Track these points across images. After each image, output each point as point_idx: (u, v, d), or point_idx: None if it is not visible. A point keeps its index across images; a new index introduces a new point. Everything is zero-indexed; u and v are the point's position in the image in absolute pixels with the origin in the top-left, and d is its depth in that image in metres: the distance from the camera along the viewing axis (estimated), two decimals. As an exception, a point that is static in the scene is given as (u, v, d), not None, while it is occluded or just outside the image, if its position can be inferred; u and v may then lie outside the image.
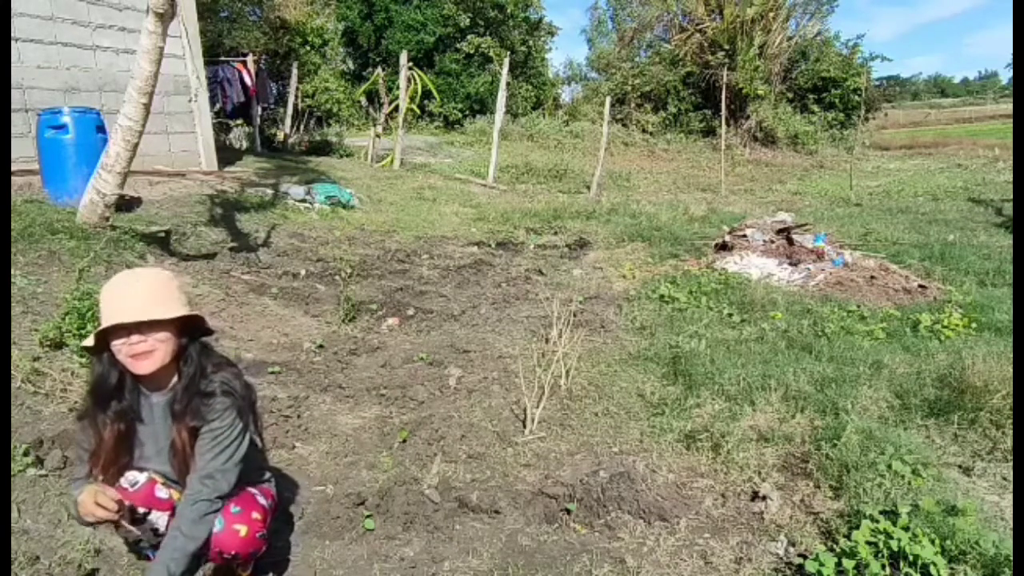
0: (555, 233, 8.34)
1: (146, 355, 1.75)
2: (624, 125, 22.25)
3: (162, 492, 1.90)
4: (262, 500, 2.00)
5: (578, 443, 3.04)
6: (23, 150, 6.25)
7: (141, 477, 1.89)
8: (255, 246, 6.30)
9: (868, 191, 12.44)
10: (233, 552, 1.85)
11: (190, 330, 1.87)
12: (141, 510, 1.87)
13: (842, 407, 3.09)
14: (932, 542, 2.02)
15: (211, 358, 1.91)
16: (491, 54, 22.68)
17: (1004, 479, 2.64)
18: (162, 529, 1.88)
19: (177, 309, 1.79)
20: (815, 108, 22.32)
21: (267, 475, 2.17)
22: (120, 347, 1.74)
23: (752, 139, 21.31)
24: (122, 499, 1.75)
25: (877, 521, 2.15)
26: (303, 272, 5.87)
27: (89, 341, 1.78)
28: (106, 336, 1.76)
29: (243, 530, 1.85)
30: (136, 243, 5.13)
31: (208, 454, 1.83)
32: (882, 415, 3.13)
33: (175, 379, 1.87)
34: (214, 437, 1.83)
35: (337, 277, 5.35)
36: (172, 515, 1.87)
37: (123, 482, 1.88)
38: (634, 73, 23.34)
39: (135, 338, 1.73)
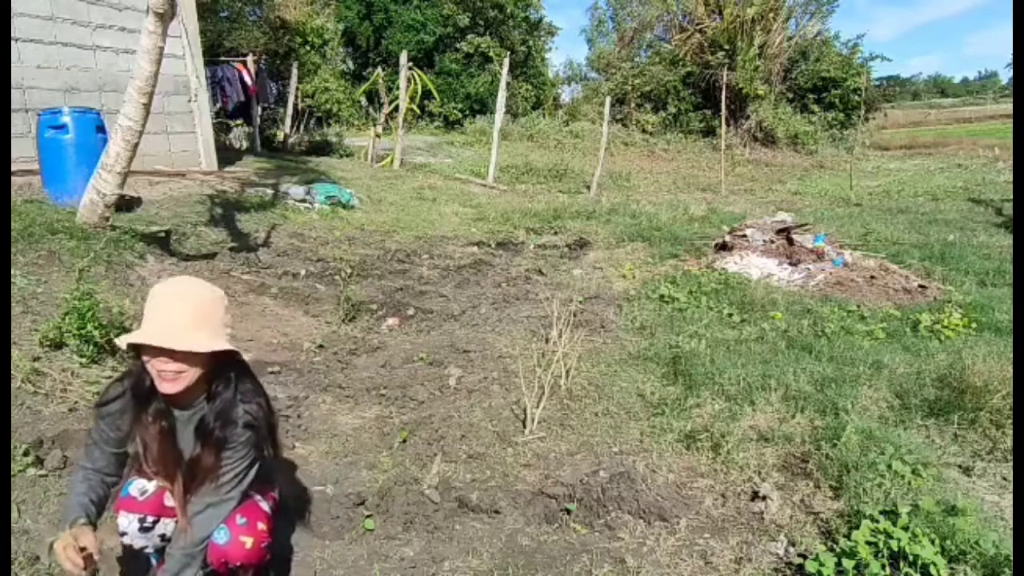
0: (555, 233, 8.33)
1: (172, 379, 1.71)
2: (624, 125, 22.24)
3: (170, 500, 1.90)
4: (266, 506, 1.99)
5: (578, 443, 3.04)
6: (23, 150, 6.25)
7: (150, 486, 1.89)
8: (255, 246, 6.30)
9: (868, 191, 12.44)
10: (239, 563, 1.85)
11: (226, 357, 1.81)
12: (150, 519, 1.88)
13: (842, 407, 3.09)
14: (932, 542, 2.02)
15: (243, 383, 1.87)
16: (491, 54, 22.69)
17: (1004, 479, 2.65)
18: (169, 534, 1.90)
19: (215, 341, 1.72)
20: (815, 108, 22.31)
21: (272, 476, 2.15)
22: (149, 361, 1.71)
23: (752, 139, 21.31)
24: (93, 554, 1.65)
25: (877, 521, 2.15)
26: (303, 272, 5.87)
27: (123, 343, 1.73)
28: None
29: (249, 542, 1.84)
30: (136, 243, 5.13)
31: (217, 482, 1.82)
32: (882, 415, 3.13)
33: (202, 399, 1.83)
34: (226, 468, 1.82)
35: (337, 277, 5.35)
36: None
37: (133, 491, 1.89)
38: (634, 73, 23.34)
39: (163, 359, 1.69)
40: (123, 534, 1.89)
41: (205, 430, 1.81)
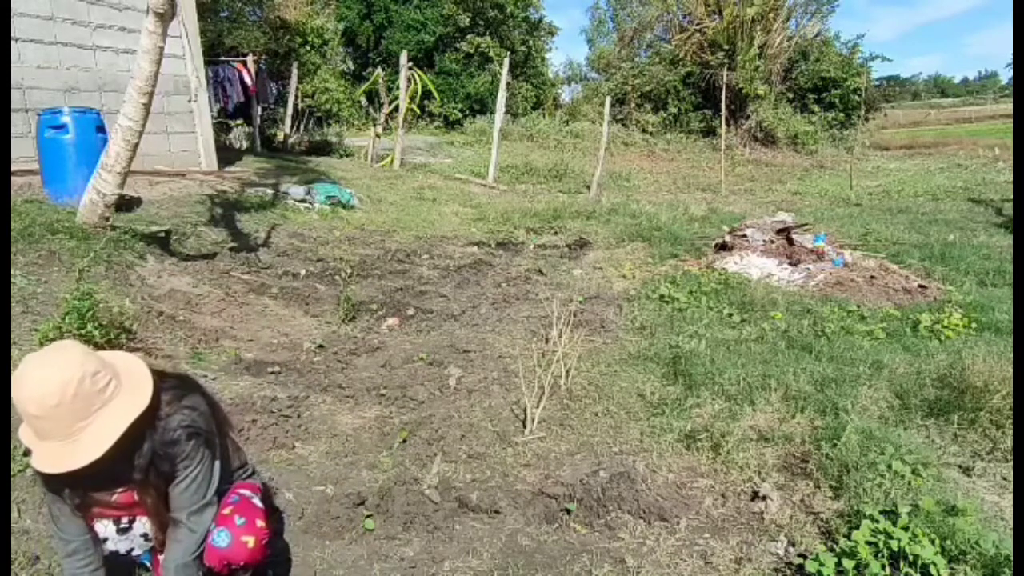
0: (555, 233, 8.33)
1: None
2: (624, 125, 22.22)
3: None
4: (258, 502, 1.96)
5: (578, 443, 3.04)
6: (23, 150, 6.24)
7: (117, 488, 1.81)
8: (255, 246, 6.30)
9: (868, 191, 12.43)
10: (242, 563, 1.82)
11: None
12: (125, 520, 1.82)
13: (842, 407, 3.09)
14: (932, 542, 2.02)
15: (162, 395, 1.72)
16: (491, 54, 22.69)
17: (1004, 479, 2.65)
18: (151, 533, 1.84)
19: (105, 428, 1.56)
20: (815, 108, 22.28)
21: (250, 469, 2.11)
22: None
23: (752, 139, 21.28)
24: None
25: (877, 521, 2.15)
26: (303, 272, 5.87)
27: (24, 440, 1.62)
28: None
29: (251, 541, 1.81)
30: (136, 243, 5.13)
31: (185, 493, 1.76)
32: (882, 415, 3.13)
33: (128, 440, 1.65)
34: (190, 479, 1.75)
35: (337, 277, 5.35)
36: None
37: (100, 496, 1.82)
38: (634, 73, 23.33)
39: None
40: (104, 540, 1.82)
41: (146, 473, 1.71)
